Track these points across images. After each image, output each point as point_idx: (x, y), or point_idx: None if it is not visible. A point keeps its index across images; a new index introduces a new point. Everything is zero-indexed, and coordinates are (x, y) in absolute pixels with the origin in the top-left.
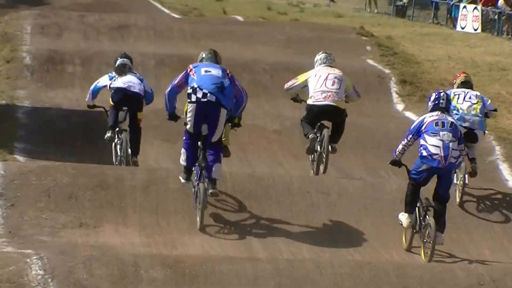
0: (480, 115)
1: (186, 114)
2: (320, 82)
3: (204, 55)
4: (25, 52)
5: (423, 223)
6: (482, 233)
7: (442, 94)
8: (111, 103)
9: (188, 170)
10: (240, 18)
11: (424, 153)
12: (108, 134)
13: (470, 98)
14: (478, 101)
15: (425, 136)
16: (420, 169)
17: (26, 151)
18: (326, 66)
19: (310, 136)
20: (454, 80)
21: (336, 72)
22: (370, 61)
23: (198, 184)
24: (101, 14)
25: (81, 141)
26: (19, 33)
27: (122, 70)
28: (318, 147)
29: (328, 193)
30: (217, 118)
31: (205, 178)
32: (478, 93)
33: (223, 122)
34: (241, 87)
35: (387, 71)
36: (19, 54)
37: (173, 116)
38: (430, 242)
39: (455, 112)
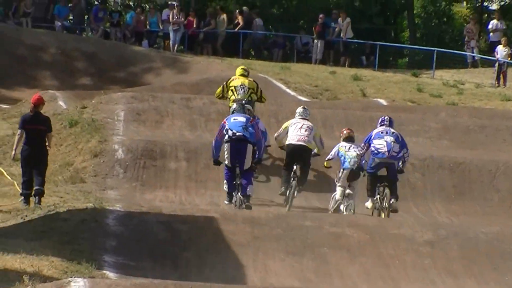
0: (362, 161)
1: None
2: (296, 129)
3: (235, 107)
4: (117, 144)
5: (382, 196)
6: None
7: (386, 117)
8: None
9: (230, 194)
10: (383, 101)
11: (373, 150)
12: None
13: (353, 148)
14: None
15: (374, 141)
16: (373, 164)
17: (118, 265)
18: (302, 118)
19: (283, 191)
20: (341, 134)
21: (309, 123)
22: None
23: (236, 195)
24: (210, 96)
25: (186, 253)
26: (110, 120)
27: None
28: (289, 193)
29: None
30: (245, 151)
31: (241, 195)
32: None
33: (250, 153)
34: (262, 131)
35: None
36: (109, 146)
37: (217, 162)
38: (387, 209)
39: (343, 159)
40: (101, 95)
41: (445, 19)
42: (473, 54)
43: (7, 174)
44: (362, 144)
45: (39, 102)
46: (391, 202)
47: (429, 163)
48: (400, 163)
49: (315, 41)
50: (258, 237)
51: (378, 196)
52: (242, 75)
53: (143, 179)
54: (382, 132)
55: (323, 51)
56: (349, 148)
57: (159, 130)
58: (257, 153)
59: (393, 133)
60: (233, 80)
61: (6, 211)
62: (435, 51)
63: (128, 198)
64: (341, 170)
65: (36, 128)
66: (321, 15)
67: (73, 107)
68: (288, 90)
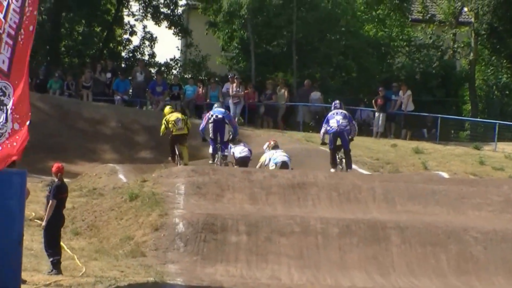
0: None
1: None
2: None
3: (216, 105)
4: (177, 218)
5: (340, 167)
6: None
7: (337, 101)
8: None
9: (213, 156)
10: (445, 174)
11: (329, 128)
12: None
13: (279, 151)
14: (283, 153)
15: (329, 120)
16: (331, 138)
17: None
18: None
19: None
20: (268, 144)
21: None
22: None
23: (218, 155)
24: (273, 170)
25: None
26: (171, 194)
27: None
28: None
29: None
30: (224, 128)
31: (222, 154)
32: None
33: (227, 130)
34: (235, 123)
35: None
36: (170, 220)
37: (204, 139)
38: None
39: (273, 160)
40: (162, 169)
41: (507, 92)
42: None
43: (67, 248)
44: (324, 125)
45: (64, 170)
46: (347, 171)
47: (492, 237)
48: (350, 134)
49: (376, 114)
50: None
51: (338, 166)
52: (173, 111)
53: (204, 253)
54: (334, 114)
55: (384, 124)
56: (276, 152)
57: (219, 203)
58: (231, 133)
59: (341, 112)
60: (170, 116)
61: (67, 286)
62: (497, 123)
63: (189, 272)
64: (274, 165)
65: (66, 196)
66: (380, 88)
67: (134, 180)
68: None
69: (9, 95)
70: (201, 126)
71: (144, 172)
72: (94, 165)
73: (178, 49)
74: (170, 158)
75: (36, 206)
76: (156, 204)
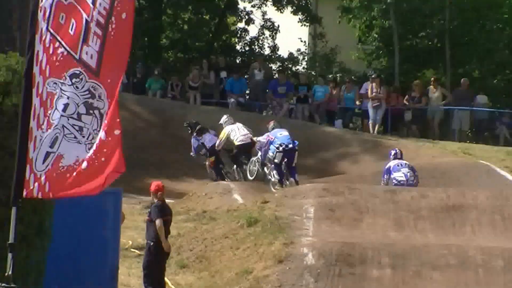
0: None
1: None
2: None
3: (274, 125)
4: (306, 247)
5: None
6: None
7: (398, 150)
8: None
9: (280, 182)
10: None
11: (395, 182)
12: None
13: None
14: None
15: (393, 173)
16: None
17: None
18: None
19: None
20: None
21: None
22: None
23: (288, 180)
24: (423, 189)
25: None
26: (297, 217)
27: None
28: None
29: None
30: (294, 156)
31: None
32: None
33: (296, 157)
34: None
35: None
36: (297, 249)
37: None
38: None
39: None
40: (286, 187)
41: None
42: None
43: (172, 284)
44: (385, 176)
45: (164, 189)
46: None
47: None
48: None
49: None
50: None
51: None
52: None
53: None
54: (398, 165)
55: None
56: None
57: (357, 230)
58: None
59: (405, 164)
60: None
61: None
62: None
63: None
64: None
65: (171, 220)
66: None
67: (252, 201)
68: None
69: (99, 96)
70: (262, 153)
71: (265, 192)
72: (204, 183)
73: (301, 41)
74: None
75: (134, 233)
76: (280, 231)
